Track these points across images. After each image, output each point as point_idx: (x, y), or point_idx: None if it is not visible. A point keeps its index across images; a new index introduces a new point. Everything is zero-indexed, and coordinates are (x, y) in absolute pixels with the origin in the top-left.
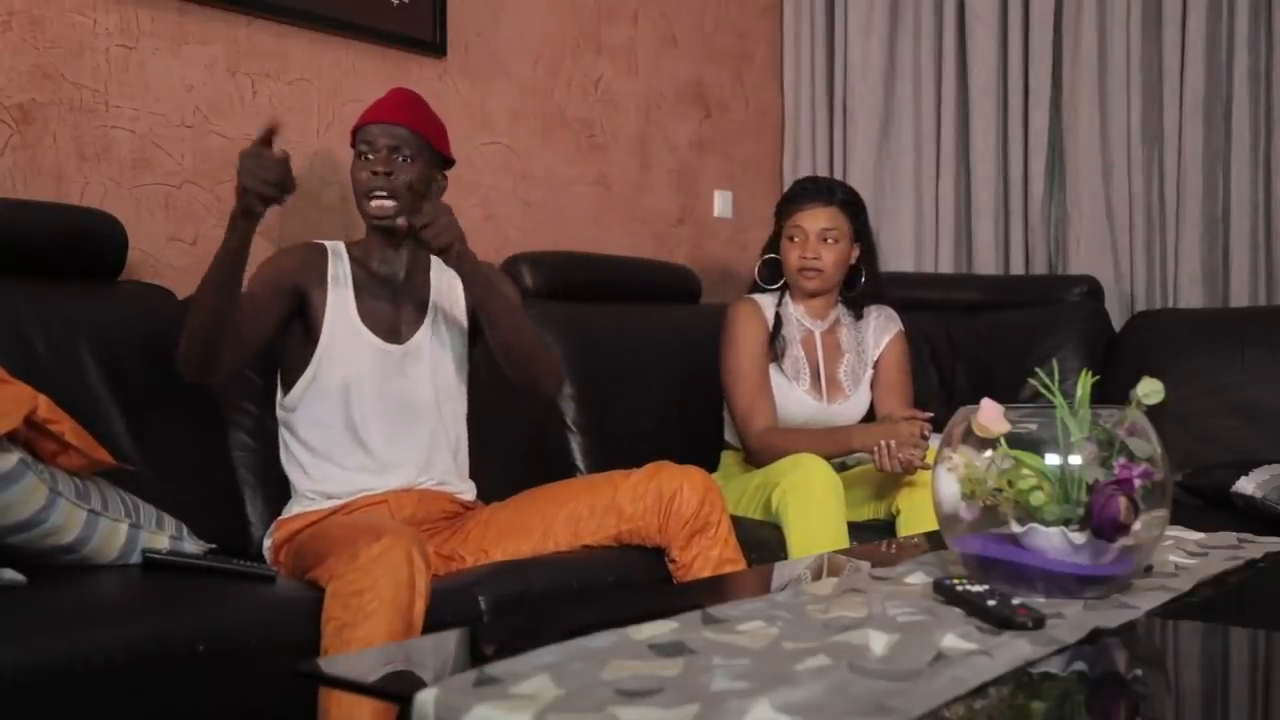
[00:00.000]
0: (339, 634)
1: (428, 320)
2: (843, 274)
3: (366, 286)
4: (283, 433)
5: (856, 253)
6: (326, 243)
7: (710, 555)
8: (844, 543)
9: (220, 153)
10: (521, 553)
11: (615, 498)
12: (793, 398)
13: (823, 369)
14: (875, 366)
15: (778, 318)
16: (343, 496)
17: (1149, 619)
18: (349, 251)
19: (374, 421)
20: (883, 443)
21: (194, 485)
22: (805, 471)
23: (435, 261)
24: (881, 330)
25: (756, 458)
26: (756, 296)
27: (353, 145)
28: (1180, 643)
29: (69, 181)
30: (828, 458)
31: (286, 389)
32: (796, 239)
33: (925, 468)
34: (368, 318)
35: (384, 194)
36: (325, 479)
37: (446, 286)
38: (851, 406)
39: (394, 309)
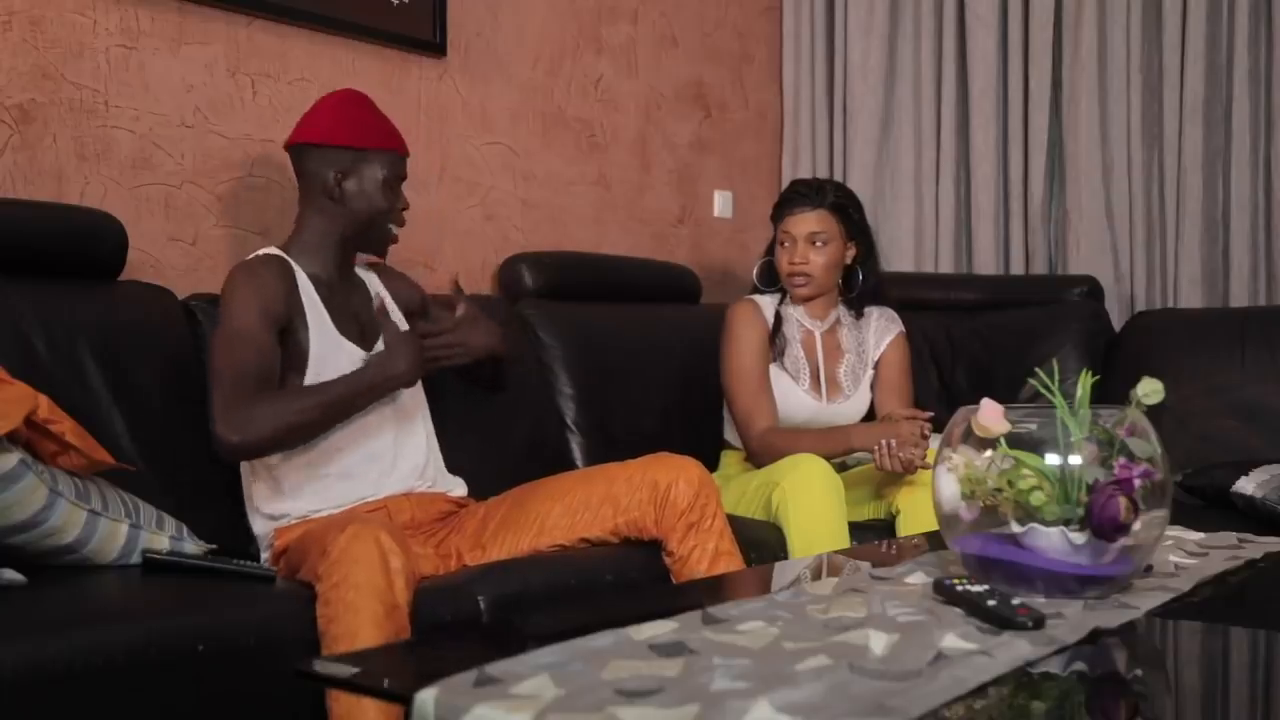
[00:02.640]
0: (327, 630)
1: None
2: (836, 276)
3: (326, 293)
4: (258, 464)
5: (853, 252)
6: (276, 252)
7: (706, 548)
8: (844, 543)
9: (220, 153)
10: (519, 548)
11: (611, 490)
12: (793, 397)
13: (822, 369)
14: (876, 367)
15: (778, 317)
16: (344, 505)
17: (1149, 619)
18: (292, 260)
19: (370, 430)
20: (883, 442)
21: (194, 485)
22: (805, 472)
23: (358, 262)
24: (883, 331)
25: (757, 458)
26: (756, 297)
27: None
28: (1180, 643)
29: (69, 181)
30: (828, 457)
31: None
32: (786, 244)
33: (925, 467)
34: (341, 327)
35: None
36: (322, 493)
37: (383, 288)
38: (851, 407)
39: (354, 312)
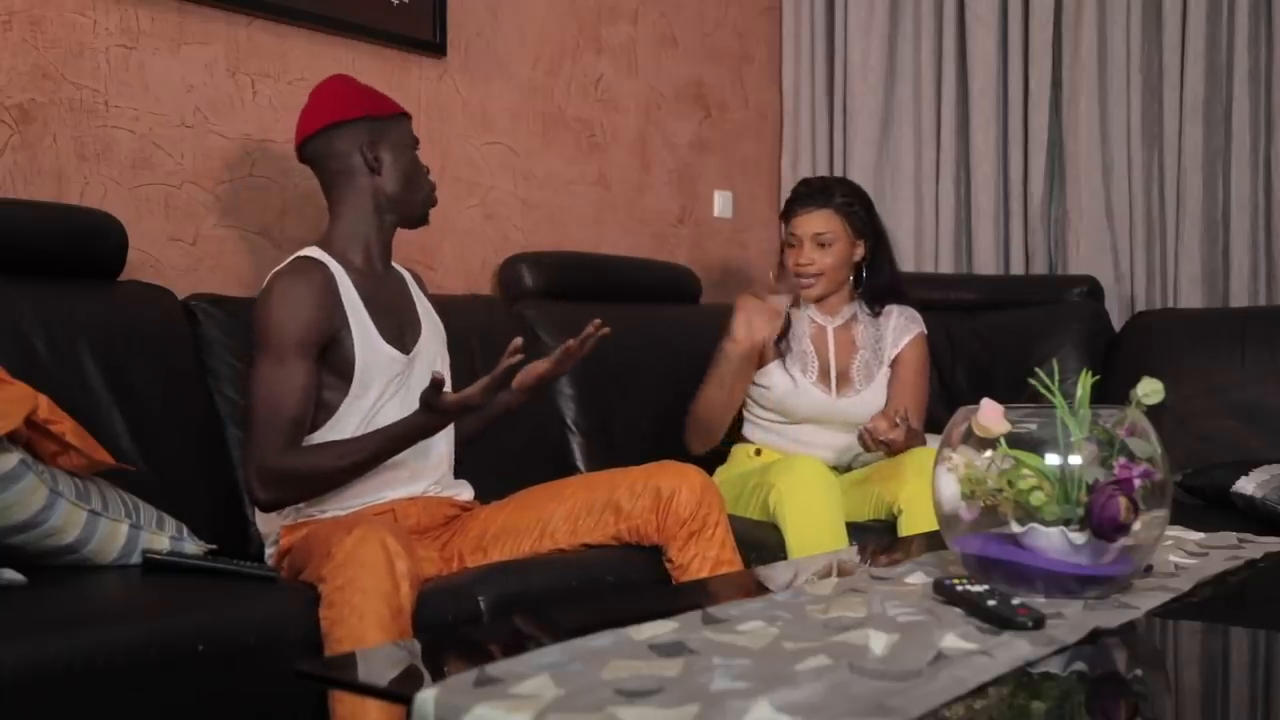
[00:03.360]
0: (331, 633)
1: (425, 329)
2: (846, 274)
3: (368, 292)
4: None
5: (862, 250)
6: (315, 255)
7: (708, 557)
8: (842, 542)
9: (220, 153)
10: (521, 551)
11: (614, 495)
12: (799, 392)
13: (833, 364)
14: (892, 365)
15: (786, 319)
16: (352, 507)
17: (1149, 619)
18: (335, 259)
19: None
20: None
21: (194, 485)
22: (800, 472)
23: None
24: (902, 330)
25: (688, 431)
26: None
27: None
28: (1180, 643)
29: (69, 181)
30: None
31: None
32: (793, 244)
33: (891, 444)
34: (383, 330)
35: None
36: (333, 493)
37: (421, 294)
38: (862, 402)
39: (394, 313)
